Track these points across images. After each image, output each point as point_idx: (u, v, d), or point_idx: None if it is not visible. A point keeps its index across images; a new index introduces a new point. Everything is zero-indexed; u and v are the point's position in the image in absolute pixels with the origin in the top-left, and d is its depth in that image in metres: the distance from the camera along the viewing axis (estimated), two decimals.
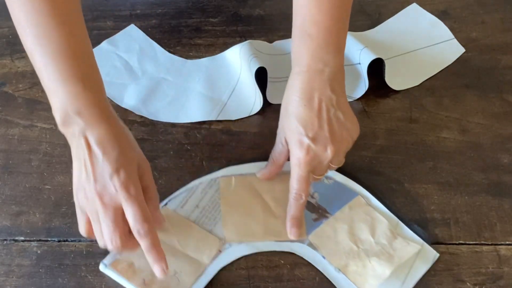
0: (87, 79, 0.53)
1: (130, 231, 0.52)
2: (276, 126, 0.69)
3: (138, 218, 0.51)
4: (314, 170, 0.59)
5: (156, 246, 0.53)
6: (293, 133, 0.58)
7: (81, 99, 0.52)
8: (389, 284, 0.58)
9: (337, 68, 0.59)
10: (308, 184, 0.60)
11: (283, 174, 0.65)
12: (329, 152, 0.58)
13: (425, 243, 0.61)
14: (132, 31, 0.79)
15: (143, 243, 0.52)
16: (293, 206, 0.60)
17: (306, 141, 0.57)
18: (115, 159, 0.52)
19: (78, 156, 0.53)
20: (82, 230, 0.55)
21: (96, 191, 0.51)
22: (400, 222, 0.63)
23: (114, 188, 0.51)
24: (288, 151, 0.61)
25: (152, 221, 0.53)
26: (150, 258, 0.53)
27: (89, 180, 0.52)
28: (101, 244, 0.53)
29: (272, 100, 0.72)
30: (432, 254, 0.61)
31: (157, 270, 0.53)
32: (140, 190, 0.53)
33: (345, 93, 0.61)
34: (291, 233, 0.60)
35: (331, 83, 0.58)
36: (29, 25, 0.52)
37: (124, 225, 0.52)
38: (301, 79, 0.59)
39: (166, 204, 0.63)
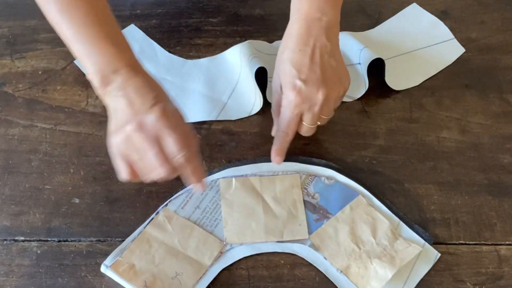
0: (116, 40, 0.56)
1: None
2: None
3: (179, 147, 0.53)
4: (305, 114, 0.61)
5: (198, 172, 0.56)
6: (287, 76, 0.61)
7: (115, 59, 0.55)
8: (391, 285, 0.58)
9: (334, 20, 0.62)
10: (296, 126, 0.62)
11: (283, 174, 0.65)
12: (320, 95, 0.60)
13: (426, 243, 0.61)
14: (132, 31, 0.79)
15: (187, 169, 0.55)
16: (278, 140, 0.63)
17: (298, 83, 0.60)
18: (154, 96, 0.54)
19: (115, 108, 0.55)
20: (124, 175, 0.56)
21: (136, 125, 0.53)
22: (401, 222, 0.63)
23: (155, 117, 0.53)
24: None
25: (194, 154, 0.55)
26: (191, 181, 0.56)
27: (128, 121, 0.54)
28: (146, 179, 0.56)
29: (270, 99, 0.72)
30: (433, 254, 0.61)
31: (197, 190, 0.59)
32: (179, 121, 0.55)
33: (339, 46, 0.63)
34: (275, 160, 0.63)
35: (327, 32, 0.61)
36: None
37: (166, 156, 0.54)
38: (298, 26, 0.61)
39: (166, 205, 0.63)
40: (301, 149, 0.68)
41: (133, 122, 0.53)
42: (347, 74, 0.63)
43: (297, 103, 0.60)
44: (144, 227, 0.61)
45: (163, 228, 0.61)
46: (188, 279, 0.58)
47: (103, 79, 0.55)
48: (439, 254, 0.61)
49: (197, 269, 0.59)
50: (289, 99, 0.60)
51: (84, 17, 0.55)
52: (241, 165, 0.66)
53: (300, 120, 0.63)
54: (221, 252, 0.60)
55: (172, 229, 0.61)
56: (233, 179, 0.65)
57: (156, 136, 0.53)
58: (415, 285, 0.59)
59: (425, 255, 0.60)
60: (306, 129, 0.64)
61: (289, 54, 0.61)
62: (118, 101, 0.55)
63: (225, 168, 0.66)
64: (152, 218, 0.62)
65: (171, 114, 0.54)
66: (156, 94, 0.55)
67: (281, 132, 0.62)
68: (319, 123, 0.64)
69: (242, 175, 0.65)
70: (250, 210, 0.63)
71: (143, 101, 0.54)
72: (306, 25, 0.61)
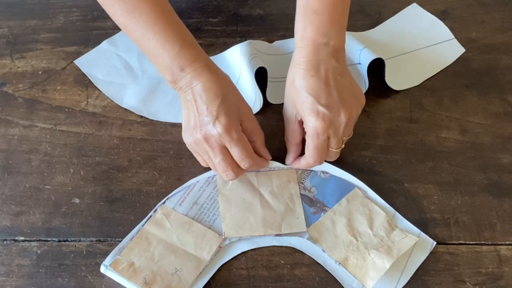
0: (182, 38, 0.60)
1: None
2: (276, 127, 0.70)
3: (242, 156, 0.60)
4: (331, 139, 0.61)
5: (262, 167, 0.64)
6: (305, 104, 0.60)
7: (181, 57, 0.59)
8: (388, 274, 0.59)
9: (340, 44, 0.62)
10: (325, 152, 0.62)
11: (279, 170, 0.65)
12: (342, 117, 0.60)
13: (422, 233, 0.62)
14: None
15: (253, 168, 0.63)
16: (305, 167, 0.65)
17: (321, 108, 0.59)
18: (217, 106, 0.58)
19: (187, 106, 0.61)
20: (202, 164, 0.65)
21: (202, 136, 0.59)
22: (396, 213, 0.63)
23: (218, 133, 0.58)
24: (301, 127, 0.62)
25: (255, 157, 0.62)
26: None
27: (196, 127, 0.60)
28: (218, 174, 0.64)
29: (272, 100, 0.72)
30: (429, 243, 0.61)
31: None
32: (240, 132, 0.60)
33: (347, 66, 0.63)
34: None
35: (335, 55, 0.61)
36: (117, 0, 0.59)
37: (232, 159, 0.61)
38: (306, 52, 0.61)
39: (164, 202, 0.63)
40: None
41: (200, 131, 0.59)
42: (361, 92, 0.63)
43: (324, 129, 0.59)
44: (143, 225, 0.61)
45: (161, 225, 0.61)
46: (188, 275, 0.58)
47: (172, 76, 0.60)
48: (435, 243, 0.61)
49: (196, 265, 0.59)
50: (315, 127, 0.59)
51: (149, 18, 0.58)
52: None
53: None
54: (220, 247, 0.60)
55: (171, 225, 0.61)
56: None
57: (220, 146, 0.59)
58: (412, 273, 0.60)
59: (421, 245, 0.61)
60: (333, 154, 0.63)
61: (301, 82, 0.60)
62: (187, 103, 0.60)
63: None
64: (150, 216, 0.62)
65: (233, 126, 0.59)
66: (221, 99, 0.59)
67: (314, 162, 0.62)
68: (342, 146, 0.63)
69: None
70: (247, 205, 0.63)
71: (208, 110, 0.58)
72: (313, 51, 0.60)
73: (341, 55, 0.62)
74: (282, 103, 0.66)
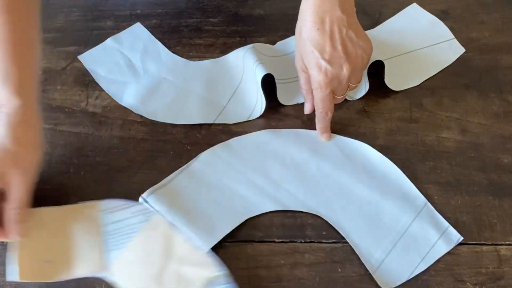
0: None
1: None
2: (276, 127, 0.70)
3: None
4: (335, 90, 0.65)
5: None
6: (310, 57, 0.63)
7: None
8: (408, 259, 0.60)
9: None
10: (332, 102, 0.66)
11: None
12: (345, 71, 0.63)
13: (450, 226, 0.62)
14: (137, 29, 0.80)
15: None
16: (320, 121, 0.67)
17: (323, 63, 0.62)
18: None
19: None
20: None
21: None
22: (428, 203, 0.64)
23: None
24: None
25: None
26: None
27: None
28: None
29: (284, 101, 0.72)
30: (456, 237, 0.62)
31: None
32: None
33: (355, 13, 0.65)
34: (323, 138, 0.69)
35: (341, 3, 0.62)
36: None
37: None
38: (312, 2, 0.62)
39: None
40: None
41: None
42: (368, 40, 0.65)
43: (326, 83, 0.63)
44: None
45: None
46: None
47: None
48: (462, 238, 0.62)
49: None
50: (318, 80, 0.63)
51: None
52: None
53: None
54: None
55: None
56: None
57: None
58: (432, 261, 0.60)
59: (447, 236, 0.62)
60: (338, 100, 0.68)
61: (308, 34, 0.62)
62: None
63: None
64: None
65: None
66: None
67: (320, 112, 0.66)
68: (349, 91, 0.67)
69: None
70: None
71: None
72: (319, 1, 0.62)
73: (349, 3, 0.64)
74: (290, 105, 0.67)
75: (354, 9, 0.65)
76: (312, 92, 0.66)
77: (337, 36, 0.62)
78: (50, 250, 0.59)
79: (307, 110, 0.70)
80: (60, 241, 0.59)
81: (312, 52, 0.62)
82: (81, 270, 0.58)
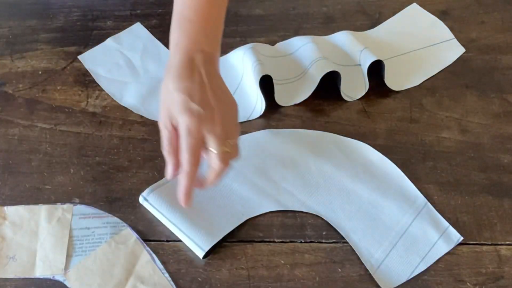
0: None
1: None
2: (276, 127, 0.70)
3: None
4: (209, 139, 0.56)
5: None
6: (178, 104, 0.56)
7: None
8: (407, 259, 0.60)
9: (214, 51, 0.62)
10: (200, 152, 0.56)
11: None
12: (217, 114, 0.56)
13: (450, 226, 0.62)
14: (137, 29, 0.80)
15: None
16: (185, 178, 0.57)
17: (194, 106, 0.56)
18: None
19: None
20: None
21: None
22: (428, 203, 0.64)
23: None
24: (177, 133, 0.57)
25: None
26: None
27: None
28: None
29: (282, 102, 0.72)
30: (456, 237, 0.62)
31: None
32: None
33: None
34: (184, 203, 0.58)
35: (210, 61, 0.60)
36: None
37: None
38: (179, 57, 0.59)
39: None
40: None
41: None
42: (234, 99, 0.60)
43: (196, 126, 0.55)
44: None
45: None
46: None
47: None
48: (462, 238, 0.62)
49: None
50: (187, 123, 0.55)
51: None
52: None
53: (206, 151, 0.57)
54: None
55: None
56: None
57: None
58: (432, 261, 0.60)
59: (447, 236, 0.62)
60: (214, 158, 0.57)
61: (175, 85, 0.57)
62: None
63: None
64: None
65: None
66: None
67: (187, 166, 0.56)
68: (227, 149, 0.57)
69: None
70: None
71: None
72: (188, 57, 0.59)
73: (214, 62, 0.61)
74: (290, 105, 0.65)
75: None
76: (174, 153, 0.57)
77: (206, 82, 0.57)
78: (15, 247, 0.60)
79: (169, 174, 0.58)
80: (27, 239, 0.60)
81: (180, 97, 0.56)
82: (42, 270, 0.59)
